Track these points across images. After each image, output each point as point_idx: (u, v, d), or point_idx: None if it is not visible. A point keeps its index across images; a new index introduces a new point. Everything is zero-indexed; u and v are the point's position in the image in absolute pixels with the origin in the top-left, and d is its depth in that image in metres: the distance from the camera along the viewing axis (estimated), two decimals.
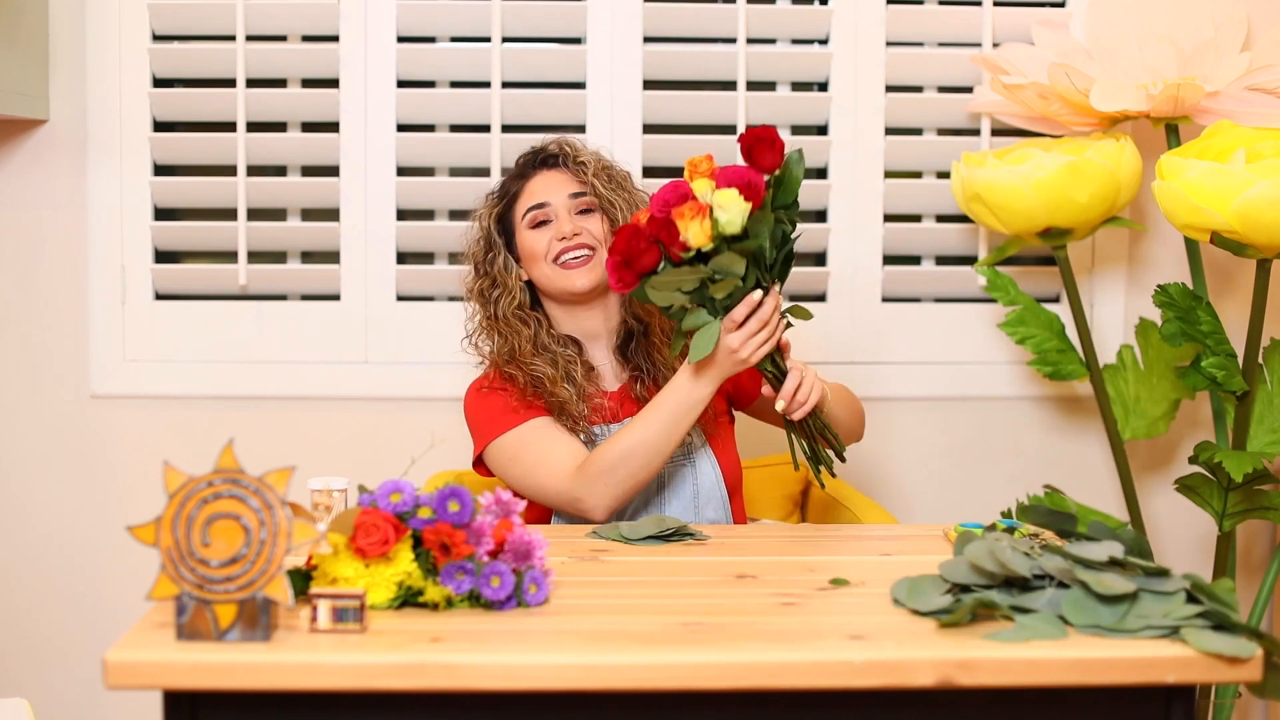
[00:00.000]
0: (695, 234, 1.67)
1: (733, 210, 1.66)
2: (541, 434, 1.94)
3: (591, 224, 2.02)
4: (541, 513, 1.99)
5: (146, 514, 2.34)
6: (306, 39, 2.57)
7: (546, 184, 2.05)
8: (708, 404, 1.87)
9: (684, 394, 1.85)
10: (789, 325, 1.84)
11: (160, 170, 2.54)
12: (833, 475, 1.94)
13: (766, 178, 1.74)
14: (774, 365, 1.86)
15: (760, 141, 1.74)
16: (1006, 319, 2.39)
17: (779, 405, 1.85)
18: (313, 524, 1.28)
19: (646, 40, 2.55)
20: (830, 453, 1.94)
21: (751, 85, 2.55)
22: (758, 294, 1.77)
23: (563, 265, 2.00)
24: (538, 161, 2.08)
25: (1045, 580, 1.35)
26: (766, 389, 1.88)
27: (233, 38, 2.49)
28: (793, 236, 1.79)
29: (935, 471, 2.63)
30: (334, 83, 2.52)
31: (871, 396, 2.59)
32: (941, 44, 2.60)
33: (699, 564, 1.62)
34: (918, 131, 2.60)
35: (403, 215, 2.56)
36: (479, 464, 2.01)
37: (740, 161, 1.77)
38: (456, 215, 2.57)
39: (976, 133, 2.58)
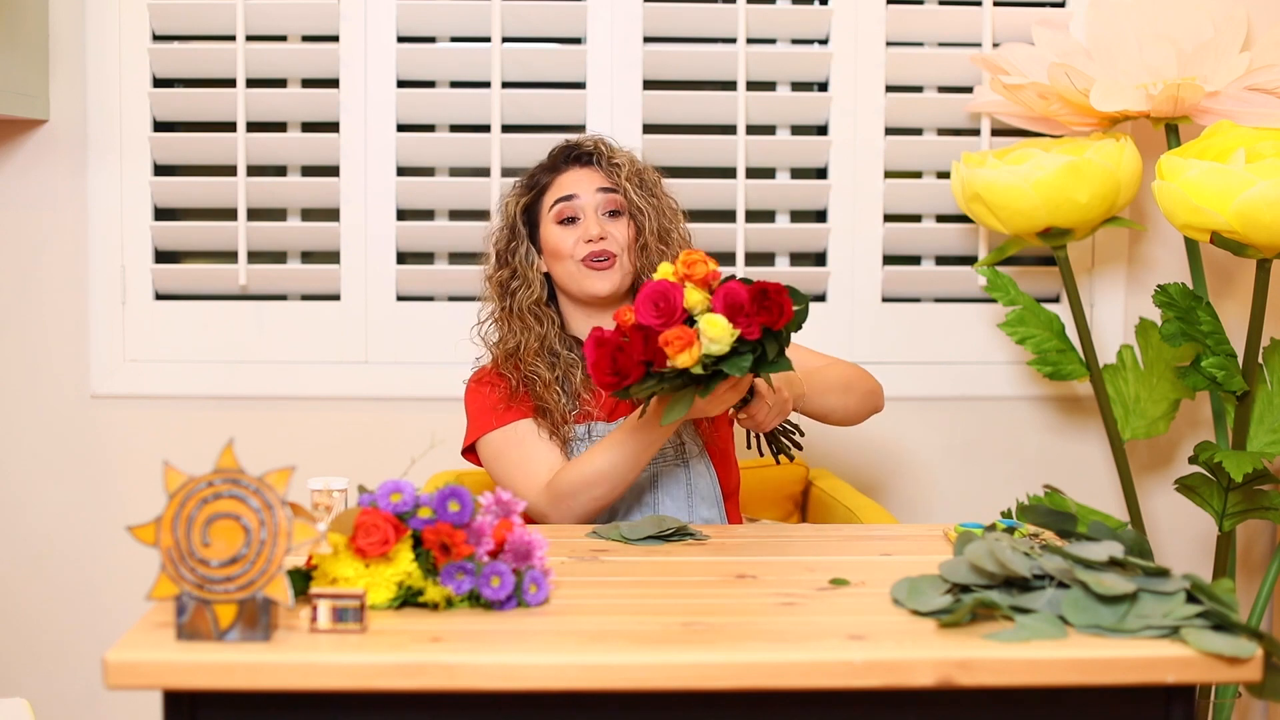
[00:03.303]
0: (683, 360, 1.66)
1: (721, 341, 1.65)
2: (523, 439, 1.96)
3: (618, 229, 2.01)
4: None
5: (146, 514, 2.34)
6: (306, 39, 2.57)
7: (577, 179, 2.03)
8: (676, 433, 1.92)
9: (648, 426, 1.86)
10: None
11: (160, 170, 2.54)
12: (790, 459, 1.99)
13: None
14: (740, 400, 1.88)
15: (771, 299, 1.67)
16: (1006, 319, 2.39)
17: (739, 420, 1.89)
18: (313, 524, 1.28)
19: (646, 40, 2.55)
20: (788, 443, 1.97)
21: (751, 85, 2.55)
22: (739, 376, 1.75)
23: (587, 266, 1.98)
24: (571, 157, 2.06)
25: (1045, 580, 1.35)
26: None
27: (233, 38, 2.49)
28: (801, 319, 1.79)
29: (935, 471, 2.63)
30: (334, 83, 2.52)
31: None
32: (941, 44, 2.60)
33: (699, 564, 1.62)
34: (918, 131, 2.60)
35: (403, 215, 2.56)
36: (469, 453, 2.03)
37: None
38: (456, 215, 2.58)
39: (976, 133, 2.58)
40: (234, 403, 2.54)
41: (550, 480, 1.91)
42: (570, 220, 2.00)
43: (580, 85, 2.54)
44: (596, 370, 1.69)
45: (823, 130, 2.62)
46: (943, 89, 2.63)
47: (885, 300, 2.61)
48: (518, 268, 2.03)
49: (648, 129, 2.54)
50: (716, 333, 1.63)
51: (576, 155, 2.06)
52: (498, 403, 1.98)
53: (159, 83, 2.54)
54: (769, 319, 1.66)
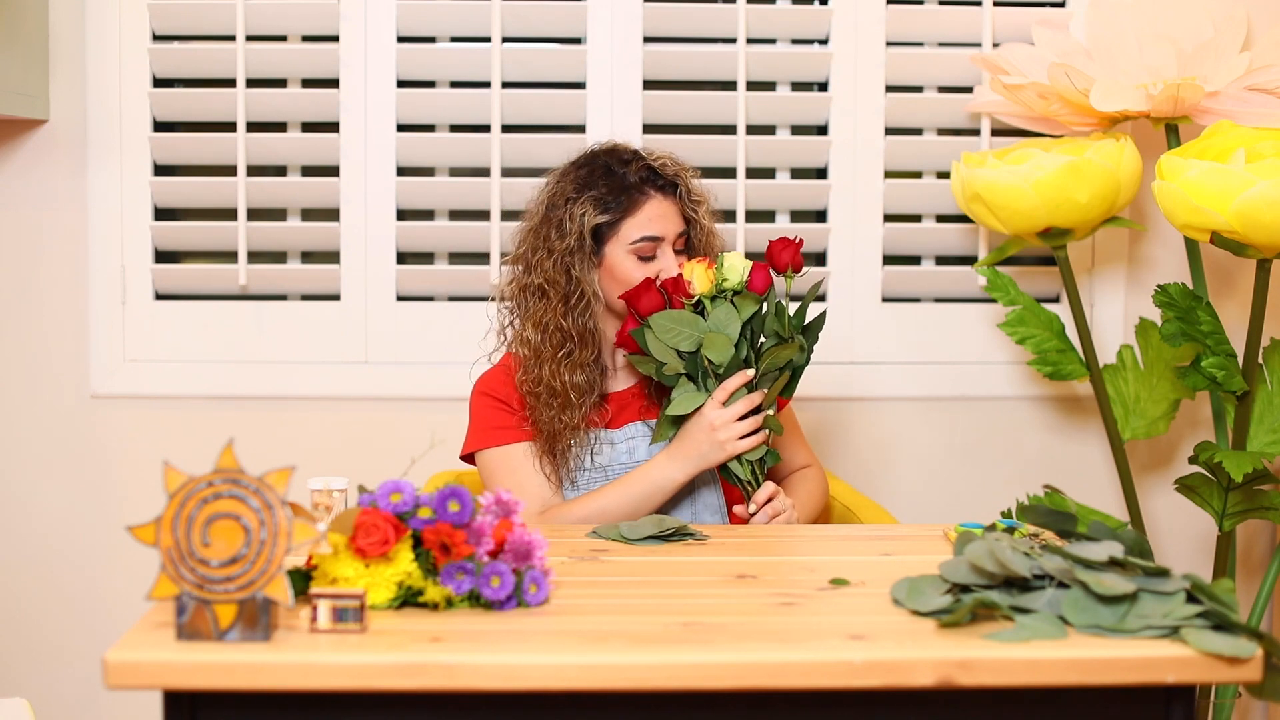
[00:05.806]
0: (699, 277, 1.90)
1: (733, 263, 1.90)
2: (517, 467, 1.97)
3: (681, 260, 2.00)
4: None
5: (146, 514, 2.34)
6: (306, 39, 2.57)
7: (663, 214, 1.98)
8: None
9: (656, 474, 1.92)
10: (773, 431, 1.93)
11: (160, 170, 2.54)
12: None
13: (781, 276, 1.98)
14: (752, 474, 1.93)
15: (778, 243, 1.97)
16: (1006, 319, 2.39)
17: (750, 509, 1.93)
18: (313, 524, 1.28)
19: (646, 40, 2.55)
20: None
21: (751, 85, 2.55)
22: (752, 371, 1.90)
23: None
24: (655, 183, 1.99)
25: (1045, 580, 1.35)
26: (740, 508, 1.95)
27: (233, 38, 2.49)
28: (801, 363, 1.94)
29: (935, 471, 2.63)
30: (334, 83, 2.52)
31: (871, 396, 2.60)
32: (941, 44, 2.60)
33: (699, 564, 1.62)
34: (918, 131, 2.60)
35: (403, 215, 2.56)
36: (468, 460, 2.05)
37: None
38: (456, 215, 2.58)
39: (976, 133, 2.58)
40: (234, 403, 2.54)
41: (548, 512, 1.94)
42: (650, 258, 1.98)
43: (580, 85, 2.54)
44: (630, 309, 1.91)
45: (823, 130, 2.62)
46: (943, 89, 2.63)
47: (885, 300, 2.61)
48: (583, 284, 1.96)
49: (648, 129, 2.54)
50: (731, 258, 1.91)
51: (661, 184, 2.00)
52: (500, 422, 1.99)
53: (159, 83, 2.54)
54: (782, 259, 1.95)
